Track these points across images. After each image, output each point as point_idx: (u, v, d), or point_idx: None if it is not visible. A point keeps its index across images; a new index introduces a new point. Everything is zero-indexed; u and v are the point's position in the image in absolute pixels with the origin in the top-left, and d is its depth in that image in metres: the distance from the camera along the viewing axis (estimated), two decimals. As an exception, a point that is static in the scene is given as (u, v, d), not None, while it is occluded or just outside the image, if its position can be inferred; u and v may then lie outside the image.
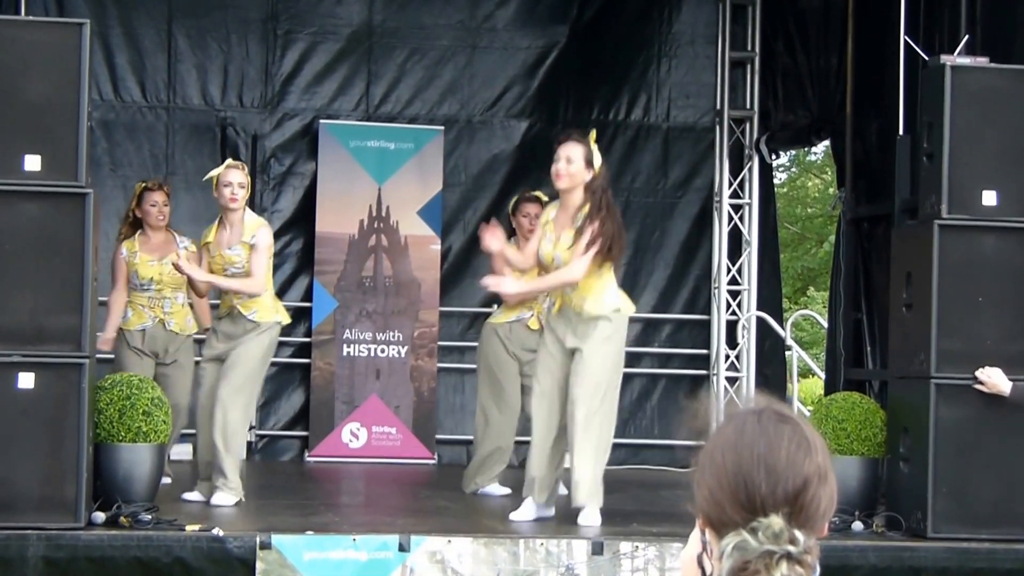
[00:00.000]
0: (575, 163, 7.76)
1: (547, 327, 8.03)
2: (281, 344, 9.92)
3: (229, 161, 8.53)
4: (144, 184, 9.42)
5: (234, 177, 8.31)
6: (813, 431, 2.04)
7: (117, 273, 9.23)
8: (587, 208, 7.76)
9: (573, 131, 8.13)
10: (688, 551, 2.11)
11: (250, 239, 8.31)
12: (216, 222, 8.44)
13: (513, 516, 7.88)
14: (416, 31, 12.08)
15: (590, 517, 7.70)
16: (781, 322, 12.51)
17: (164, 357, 9.20)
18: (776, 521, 1.95)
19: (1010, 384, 7.37)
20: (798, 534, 1.96)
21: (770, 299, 12.43)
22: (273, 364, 9.75)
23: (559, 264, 7.80)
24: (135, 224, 9.20)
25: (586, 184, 7.78)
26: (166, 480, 8.80)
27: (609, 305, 7.81)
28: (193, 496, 8.31)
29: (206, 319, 9.43)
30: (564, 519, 7.78)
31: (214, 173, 8.40)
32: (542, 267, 7.99)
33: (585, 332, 7.76)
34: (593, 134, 7.95)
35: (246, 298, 8.28)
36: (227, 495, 8.13)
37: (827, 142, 12.58)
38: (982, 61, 7.79)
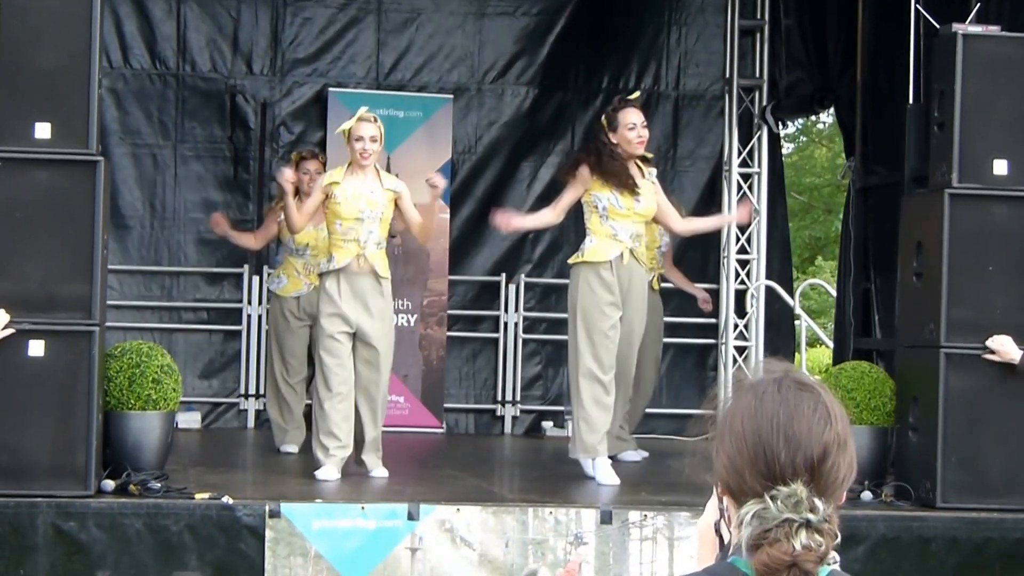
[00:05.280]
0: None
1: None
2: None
3: (361, 111, 8.15)
4: (299, 153, 9.73)
5: (366, 131, 8.02)
6: (833, 399, 2.04)
7: (267, 226, 9.85)
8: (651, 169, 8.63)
9: (628, 99, 8.64)
10: (705, 519, 2.12)
11: (393, 187, 8.14)
12: (344, 167, 8.22)
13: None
14: (425, -2, 12.04)
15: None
16: (790, 291, 12.49)
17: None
18: (799, 489, 1.95)
19: (1020, 353, 7.37)
20: (818, 502, 1.96)
21: (779, 268, 12.40)
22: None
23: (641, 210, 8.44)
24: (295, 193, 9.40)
25: None
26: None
27: None
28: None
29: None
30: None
31: (346, 126, 8.12)
32: (618, 216, 8.33)
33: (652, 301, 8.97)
34: (636, 94, 8.84)
35: (375, 249, 8.13)
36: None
37: (833, 111, 12.54)
38: (994, 29, 7.75)
